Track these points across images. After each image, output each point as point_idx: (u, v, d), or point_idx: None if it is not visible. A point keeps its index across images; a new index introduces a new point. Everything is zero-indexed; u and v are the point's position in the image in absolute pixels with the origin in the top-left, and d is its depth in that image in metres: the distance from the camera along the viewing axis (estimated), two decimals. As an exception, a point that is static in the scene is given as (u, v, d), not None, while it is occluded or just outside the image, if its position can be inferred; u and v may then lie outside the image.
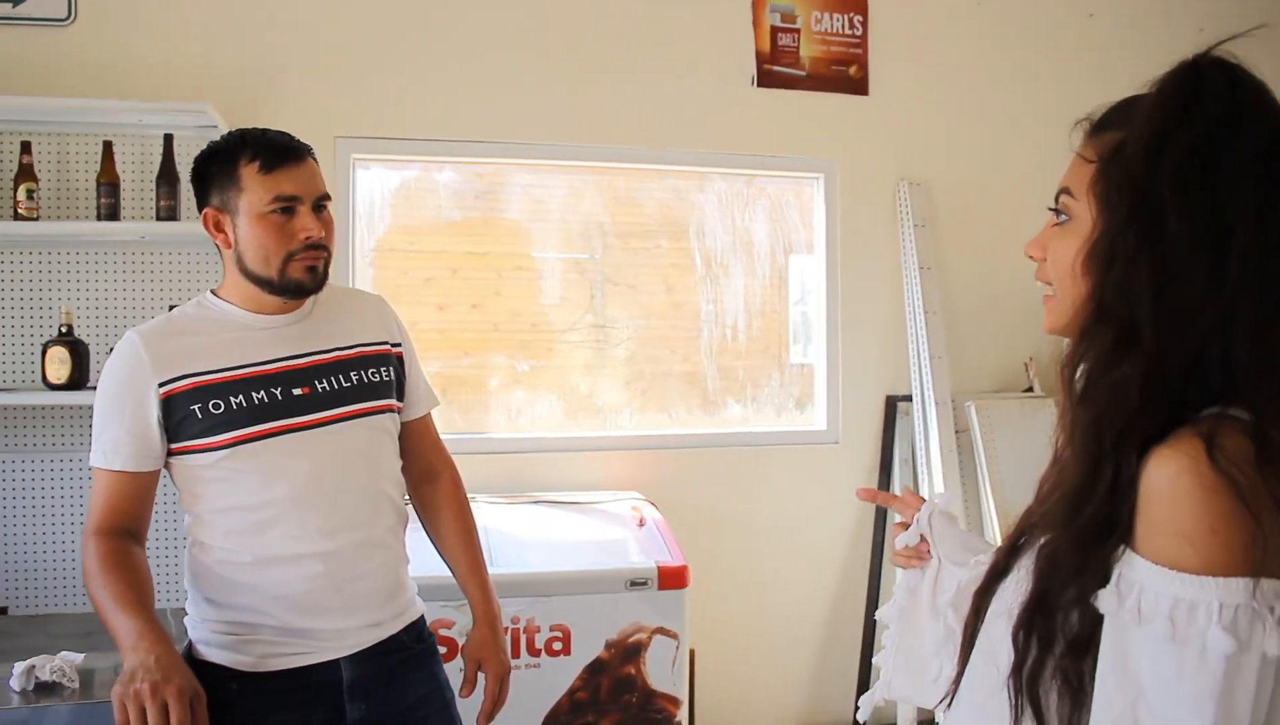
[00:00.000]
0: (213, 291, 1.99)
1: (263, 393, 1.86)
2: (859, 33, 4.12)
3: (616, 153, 3.93)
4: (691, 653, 3.56)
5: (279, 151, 1.89)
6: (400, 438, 2.07)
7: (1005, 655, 1.02)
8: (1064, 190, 1.10)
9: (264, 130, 1.93)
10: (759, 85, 4.02)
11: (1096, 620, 0.97)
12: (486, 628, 2.09)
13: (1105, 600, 0.96)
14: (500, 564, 3.22)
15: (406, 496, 2.11)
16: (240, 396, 1.85)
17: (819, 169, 4.14)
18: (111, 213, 3.24)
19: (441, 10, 3.71)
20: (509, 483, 3.73)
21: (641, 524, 3.53)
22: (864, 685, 4.10)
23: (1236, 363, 0.97)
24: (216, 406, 1.83)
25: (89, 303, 3.34)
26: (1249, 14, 4.55)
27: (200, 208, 1.93)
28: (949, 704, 1.15)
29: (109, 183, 3.25)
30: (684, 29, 3.94)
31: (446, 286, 3.85)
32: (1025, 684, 1.00)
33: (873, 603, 4.09)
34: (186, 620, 1.94)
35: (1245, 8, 4.51)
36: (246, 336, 1.90)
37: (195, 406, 1.82)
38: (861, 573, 4.12)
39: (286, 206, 1.87)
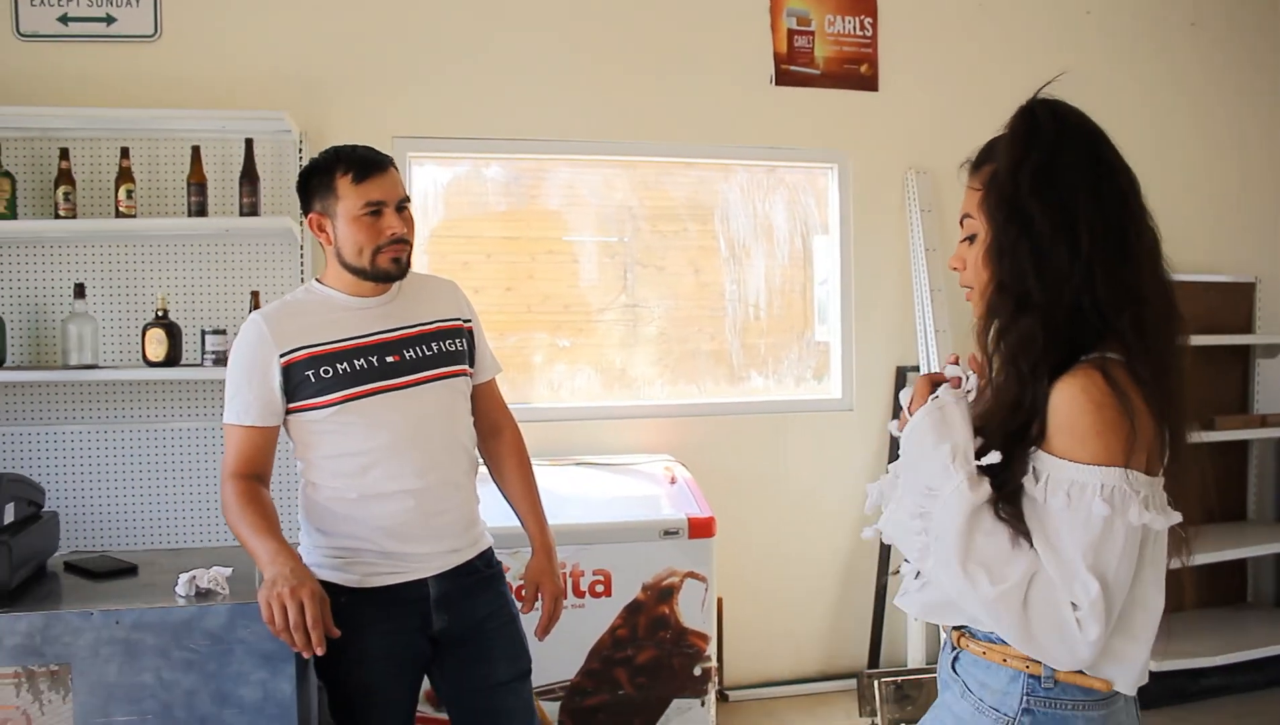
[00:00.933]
0: (317, 279, 2.38)
1: (363, 360, 2.25)
2: (869, 33, 4.48)
3: (647, 147, 4.32)
4: (720, 602, 3.96)
5: (367, 165, 2.28)
6: (471, 399, 2.46)
7: None
8: (965, 215, 1.58)
9: (353, 147, 2.32)
10: (777, 84, 4.39)
11: (1006, 489, 1.44)
12: (544, 556, 2.50)
13: (1028, 484, 1.43)
14: (549, 516, 3.62)
15: (476, 447, 2.51)
16: (346, 363, 2.24)
17: (833, 160, 4.51)
18: (200, 209, 3.65)
19: (485, 21, 4.09)
20: (553, 447, 4.13)
21: (673, 482, 3.93)
22: (877, 638, 4.47)
23: (1102, 304, 1.43)
24: (327, 372, 2.23)
25: (181, 289, 3.77)
26: (1238, 9, 4.94)
27: (305, 213, 2.34)
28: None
29: (197, 183, 3.66)
30: (708, 33, 4.31)
31: (498, 270, 4.25)
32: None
33: (884, 560, 4.46)
34: (299, 548, 2.32)
35: (1232, 4, 4.85)
36: (347, 315, 2.30)
37: (310, 372, 2.23)
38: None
39: (375, 210, 2.26)
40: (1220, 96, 4.91)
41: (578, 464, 4.08)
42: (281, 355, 2.24)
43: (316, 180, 2.30)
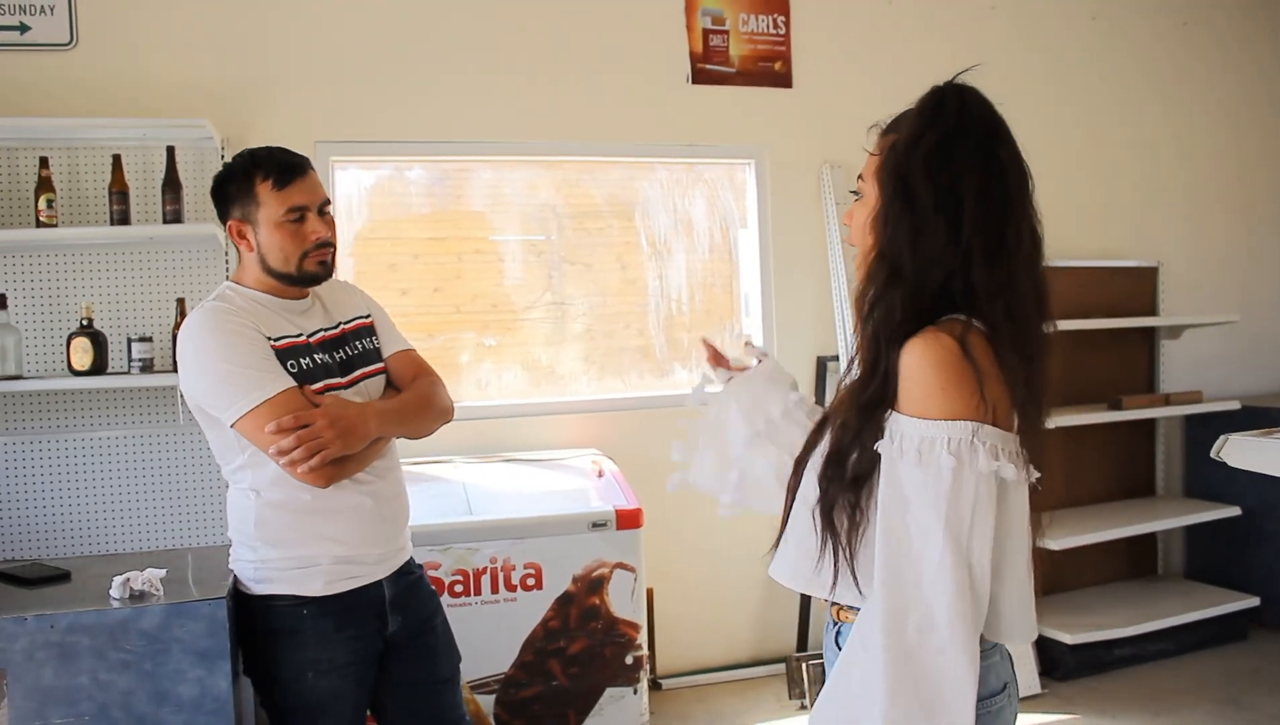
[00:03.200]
0: (234, 282, 2.35)
1: (309, 358, 2.27)
2: (782, 32, 4.60)
3: (569, 147, 4.39)
4: (650, 593, 4.05)
5: (287, 169, 2.28)
6: (388, 373, 2.44)
7: (814, 498, 1.52)
8: (860, 176, 1.63)
9: (269, 150, 2.32)
10: (694, 82, 4.49)
11: (872, 464, 1.48)
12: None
13: (882, 444, 1.47)
14: (479, 512, 3.70)
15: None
16: (306, 358, 2.26)
17: (750, 155, 4.62)
18: (123, 218, 3.64)
19: (406, 25, 4.13)
20: (482, 445, 4.19)
21: (600, 475, 4.01)
22: (804, 623, 4.59)
23: (974, 289, 1.48)
24: (293, 366, 2.23)
25: (106, 298, 3.77)
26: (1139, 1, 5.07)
27: (223, 220, 2.33)
28: (776, 545, 1.64)
29: (119, 191, 3.65)
30: (626, 34, 4.40)
31: (420, 272, 4.29)
32: (823, 512, 1.51)
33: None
34: (237, 563, 2.30)
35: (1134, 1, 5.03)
36: (282, 316, 2.30)
37: (287, 363, 2.22)
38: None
39: (298, 216, 2.27)
40: (1124, 88, 5.11)
41: (506, 461, 4.15)
42: (268, 339, 2.23)
43: (234, 187, 2.29)
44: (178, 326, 3.62)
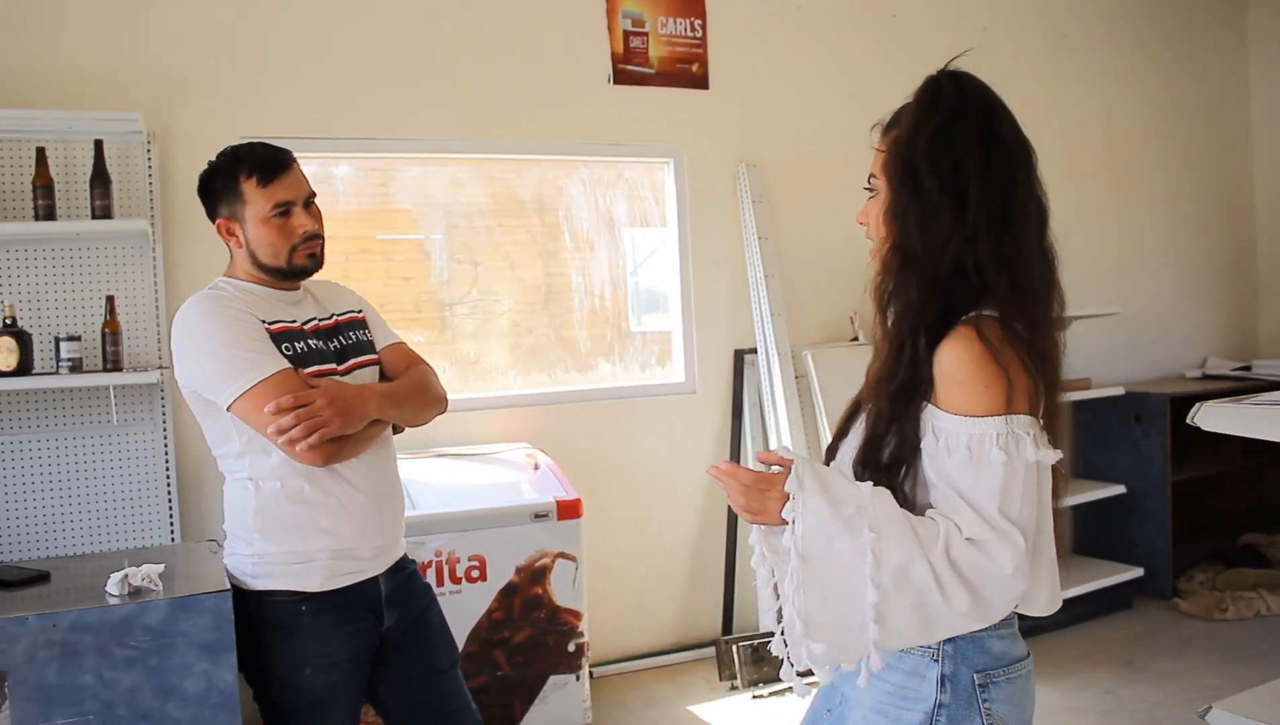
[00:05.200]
0: (226, 276, 2.37)
1: (307, 342, 2.28)
2: (699, 35, 4.72)
3: (492, 145, 4.44)
4: (579, 582, 4.13)
5: (271, 166, 2.29)
6: (381, 365, 2.47)
7: None
8: (871, 175, 1.69)
9: (251, 146, 2.32)
10: (615, 82, 4.59)
11: (909, 450, 1.56)
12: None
13: (927, 443, 1.54)
14: (421, 506, 3.72)
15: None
16: (301, 342, 2.27)
17: (669, 155, 4.74)
18: (49, 213, 3.54)
19: (334, 24, 4.12)
20: (413, 441, 4.14)
21: (536, 468, 4.07)
22: (729, 607, 4.74)
23: (983, 267, 1.55)
24: (288, 348, 2.23)
25: (31, 296, 3.66)
26: (1031, 17, 5.37)
27: (211, 218, 2.34)
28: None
29: (44, 185, 3.54)
30: (548, 35, 4.46)
31: (350, 269, 4.28)
32: None
33: (732, 534, 4.73)
34: (232, 558, 2.30)
35: (1021, 8, 5.32)
36: (277, 304, 2.32)
37: (283, 346, 2.22)
38: (720, 507, 4.75)
39: (284, 210, 2.29)
40: (1015, 97, 5.38)
41: (439, 456, 4.17)
42: (263, 322, 2.24)
43: (220, 185, 2.30)
44: (108, 325, 3.60)
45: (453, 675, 2.49)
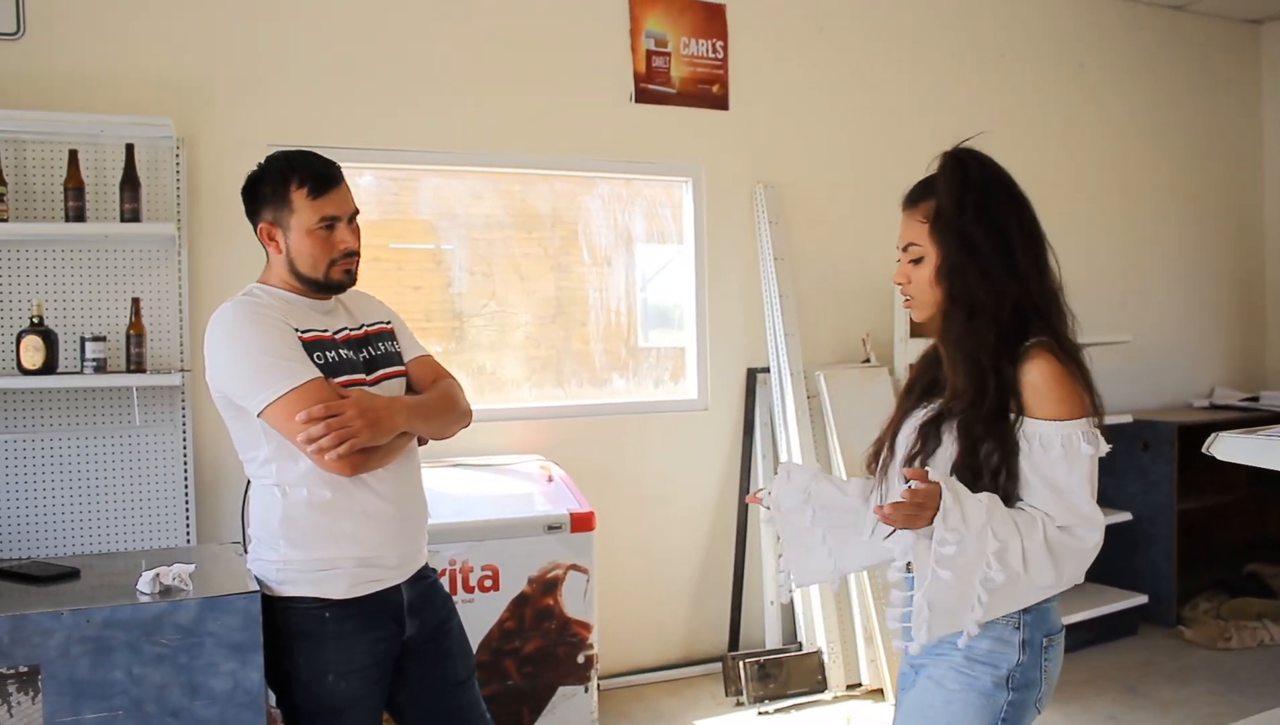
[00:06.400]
0: (261, 282, 2.39)
1: (338, 352, 2.31)
2: (720, 56, 4.78)
3: (514, 159, 4.49)
4: (589, 594, 4.16)
5: (323, 180, 2.31)
6: (408, 377, 2.50)
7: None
8: (911, 243, 1.96)
9: (304, 155, 2.35)
10: (636, 101, 4.64)
11: (1001, 461, 1.84)
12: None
13: (1023, 445, 1.83)
14: (437, 515, 3.73)
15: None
16: (332, 352, 2.30)
17: (688, 173, 4.79)
18: (79, 215, 3.58)
19: (362, 38, 4.17)
20: (429, 450, 4.10)
21: (550, 480, 4.11)
22: (736, 623, 4.77)
23: (1036, 304, 1.89)
24: (319, 358, 2.27)
25: (59, 296, 3.70)
26: (1043, 40, 5.44)
27: (253, 221, 2.36)
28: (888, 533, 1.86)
29: (75, 187, 3.59)
30: (572, 54, 4.52)
31: (365, 279, 4.31)
32: None
33: (741, 550, 4.77)
34: (256, 563, 2.32)
35: (1039, 36, 5.39)
36: (309, 312, 2.35)
37: (314, 355, 2.26)
38: (730, 523, 4.80)
39: (329, 224, 2.32)
40: (1023, 128, 5.45)
41: (455, 466, 4.21)
42: (296, 330, 2.27)
43: (269, 189, 2.31)
44: (133, 327, 3.64)
45: (470, 686, 2.52)
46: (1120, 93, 5.81)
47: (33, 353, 3.53)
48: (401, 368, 2.49)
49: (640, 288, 4.84)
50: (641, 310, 4.83)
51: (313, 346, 2.29)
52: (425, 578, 2.48)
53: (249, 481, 2.38)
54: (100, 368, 3.60)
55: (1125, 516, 5.21)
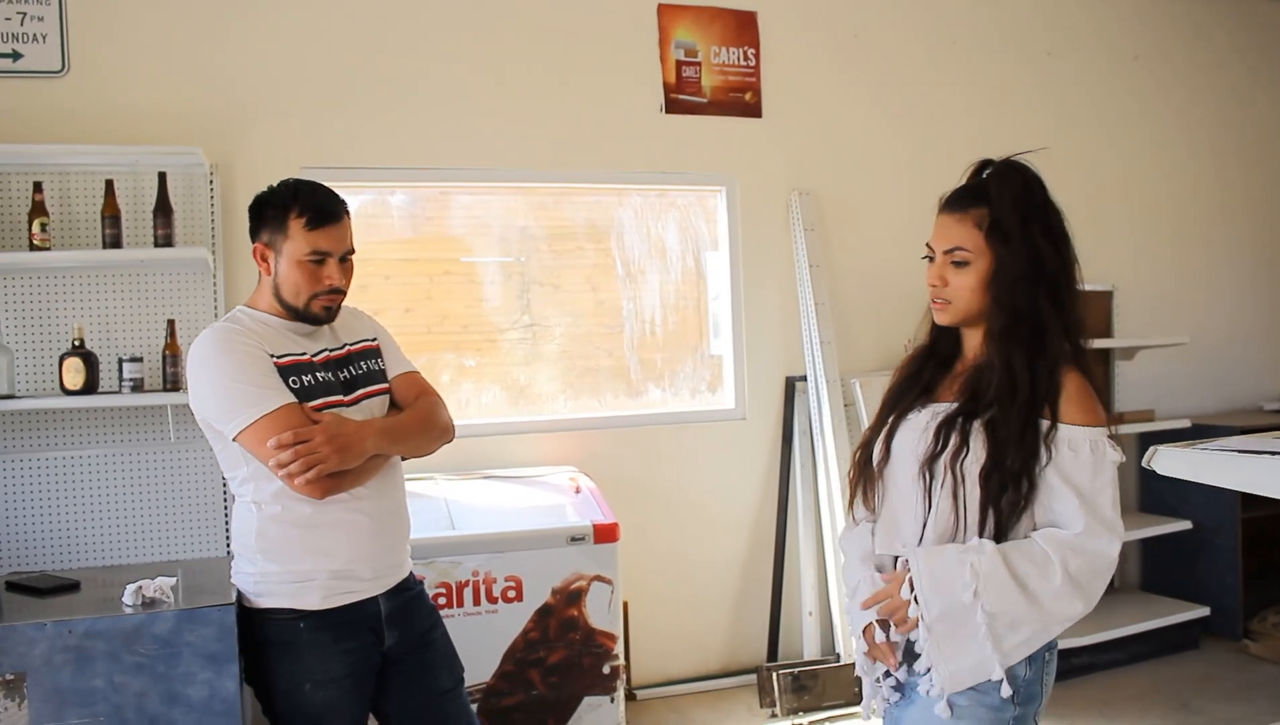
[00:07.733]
0: (246, 305, 2.48)
1: (311, 376, 2.38)
2: (752, 64, 4.78)
3: (546, 174, 4.55)
4: (625, 605, 4.19)
5: (322, 215, 2.37)
6: (392, 394, 2.56)
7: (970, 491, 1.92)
8: (958, 247, 1.98)
9: (313, 188, 2.40)
10: (667, 112, 4.66)
11: (1027, 461, 1.90)
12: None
13: (1053, 452, 1.90)
14: (461, 527, 3.83)
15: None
16: (309, 376, 2.37)
17: (721, 183, 4.79)
18: (115, 242, 3.75)
19: (390, 57, 4.27)
20: (462, 462, 4.31)
21: (578, 492, 4.15)
22: (774, 634, 4.75)
23: (1070, 322, 1.95)
24: (295, 382, 2.34)
25: (98, 319, 3.87)
26: (1094, 38, 5.32)
27: (252, 238, 2.43)
28: (919, 541, 1.95)
29: (112, 215, 3.76)
30: (602, 65, 4.56)
31: (397, 292, 4.42)
32: (992, 497, 1.90)
33: (780, 561, 4.74)
34: (238, 576, 2.40)
35: (1088, 33, 5.27)
36: (288, 336, 2.42)
37: (290, 379, 2.33)
38: (768, 533, 4.78)
39: (319, 259, 2.38)
40: (1074, 126, 5.33)
41: (486, 478, 4.27)
42: (271, 356, 2.34)
43: (271, 212, 2.38)
44: (168, 347, 3.78)
45: (456, 695, 2.56)
46: (1178, 82, 5.60)
47: (74, 374, 3.69)
48: (384, 386, 2.55)
49: (713, 297, 4.85)
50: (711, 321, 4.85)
51: (289, 371, 2.35)
52: (408, 589, 2.53)
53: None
54: (137, 387, 3.74)
55: (1185, 525, 5.05)
